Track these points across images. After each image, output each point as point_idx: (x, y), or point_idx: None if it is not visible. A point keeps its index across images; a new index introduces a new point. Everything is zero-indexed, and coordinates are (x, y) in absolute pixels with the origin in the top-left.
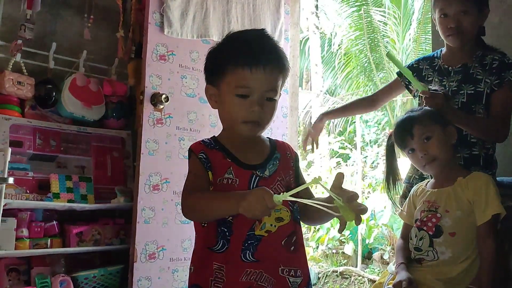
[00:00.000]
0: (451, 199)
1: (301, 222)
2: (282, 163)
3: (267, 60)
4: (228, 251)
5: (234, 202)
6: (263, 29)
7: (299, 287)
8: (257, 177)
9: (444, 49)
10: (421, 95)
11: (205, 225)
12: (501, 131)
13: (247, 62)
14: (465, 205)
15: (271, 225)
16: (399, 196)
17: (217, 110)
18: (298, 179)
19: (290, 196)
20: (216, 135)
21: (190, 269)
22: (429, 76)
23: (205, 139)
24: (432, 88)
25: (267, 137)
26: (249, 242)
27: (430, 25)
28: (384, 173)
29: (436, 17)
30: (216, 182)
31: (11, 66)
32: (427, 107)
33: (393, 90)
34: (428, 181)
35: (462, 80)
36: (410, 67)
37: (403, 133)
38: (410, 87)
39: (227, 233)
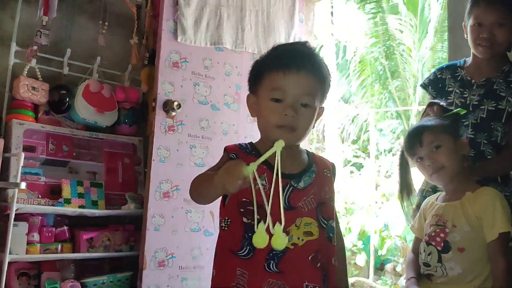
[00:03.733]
0: (459, 214)
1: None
2: (318, 179)
3: (301, 64)
4: (252, 259)
5: (215, 178)
6: (306, 41)
7: None
8: (291, 187)
9: (469, 60)
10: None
11: (226, 228)
12: None
13: (280, 65)
14: (473, 221)
15: (298, 238)
16: (412, 208)
17: (254, 119)
18: (331, 196)
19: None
20: (253, 142)
21: (212, 272)
22: (450, 86)
23: (242, 143)
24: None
25: (305, 149)
26: (274, 252)
27: (447, 33)
28: (398, 184)
29: (469, 24)
30: (249, 187)
31: (26, 72)
32: (441, 118)
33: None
34: (440, 195)
35: (485, 95)
36: (434, 79)
37: (413, 141)
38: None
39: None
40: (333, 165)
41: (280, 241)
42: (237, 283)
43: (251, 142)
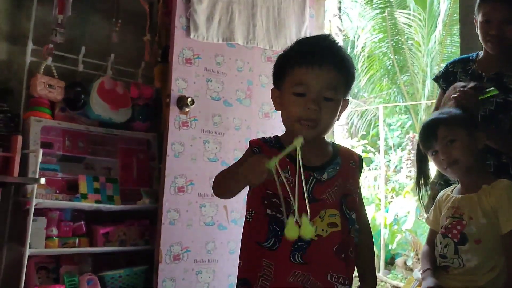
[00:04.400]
0: (475, 206)
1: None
2: (343, 170)
3: (324, 58)
4: (278, 250)
5: (239, 172)
6: (329, 34)
7: None
8: (314, 179)
9: (481, 54)
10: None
11: (251, 219)
12: None
13: (303, 60)
14: (490, 213)
15: (323, 230)
16: (428, 198)
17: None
18: (356, 188)
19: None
20: (279, 135)
21: (239, 263)
22: (461, 79)
23: (267, 137)
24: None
25: (332, 141)
26: (299, 243)
27: (458, 27)
28: (415, 174)
29: (478, 19)
30: (272, 179)
31: (43, 70)
32: (455, 110)
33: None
34: (455, 187)
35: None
36: (446, 72)
37: (427, 135)
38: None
39: (279, 232)
40: (360, 157)
41: (308, 231)
42: (263, 274)
43: (277, 135)
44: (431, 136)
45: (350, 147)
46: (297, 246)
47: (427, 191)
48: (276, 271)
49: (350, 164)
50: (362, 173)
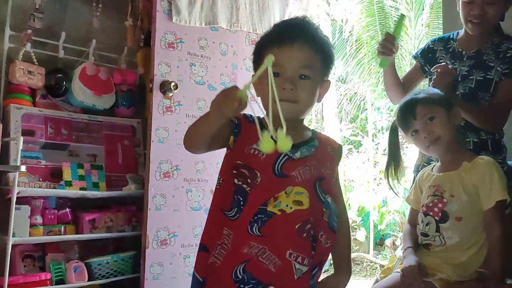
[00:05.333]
0: (456, 184)
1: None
2: (319, 153)
3: (295, 36)
4: (238, 220)
5: (211, 106)
6: (304, 16)
7: (303, 275)
8: (286, 156)
9: (461, 32)
10: (433, 70)
11: (219, 186)
12: (499, 122)
13: (276, 41)
14: (471, 190)
15: (287, 205)
16: (399, 183)
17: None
18: (333, 173)
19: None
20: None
21: (204, 228)
22: (442, 58)
23: (247, 113)
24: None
25: (312, 129)
26: (259, 216)
27: (442, 6)
28: (386, 158)
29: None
30: (244, 150)
31: (21, 56)
32: (431, 89)
33: (413, 75)
34: (434, 165)
35: (474, 65)
36: (426, 48)
37: (406, 114)
38: (426, 68)
39: (241, 203)
40: (339, 146)
41: (285, 144)
42: (222, 242)
43: (258, 116)
44: (410, 115)
45: (339, 131)
46: (256, 218)
47: (397, 175)
48: (234, 241)
49: (327, 149)
50: (340, 162)
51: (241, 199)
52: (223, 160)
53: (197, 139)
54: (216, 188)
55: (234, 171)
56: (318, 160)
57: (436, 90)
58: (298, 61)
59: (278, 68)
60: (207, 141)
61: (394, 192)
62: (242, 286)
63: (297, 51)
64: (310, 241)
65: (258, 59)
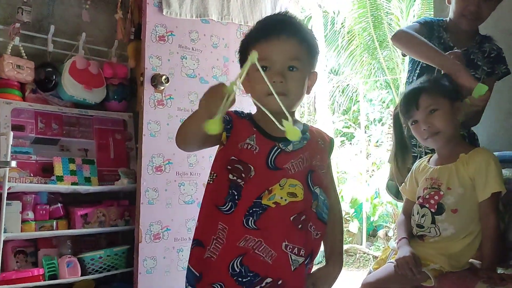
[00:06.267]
0: (453, 176)
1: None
2: (310, 146)
3: (280, 29)
4: (233, 214)
5: (199, 105)
6: (286, 11)
7: (299, 266)
8: (279, 149)
9: (448, 23)
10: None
11: (212, 182)
12: (478, 120)
13: (261, 35)
14: (467, 182)
15: (281, 197)
16: (407, 167)
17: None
18: (328, 168)
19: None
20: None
21: (196, 224)
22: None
23: (238, 110)
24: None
25: (304, 122)
26: (254, 209)
27: (433, 0)
28: (393, 144)
29: None
30: (237, 146)
31: (10, 50)
32: (439, 78)
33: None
34: (431, 157)
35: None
36: (424, 24)
37: (409, 103)
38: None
39: (236, 197)
40: (331, 140)
41: (295, 132)
42: (217, 237)
43: (250, 112)
44: (413, 104)
45: (331, 123)
46: (251, 211)
47: (405, 161)
48: (229, 235)
49: (318, 142)
50: (331, 155)
51: (236, 193)
52: (215, 156)
53: (189, 138)
54: (208, 183)
55: (229, 167)
56: (310, 152)
57: (443, 79)
58: (286, 53)
59: (266, 62)
60: (199, 139)
61: (400, 180)
62: (240, 279)
63: (284, 44)
64: (305, 232)
65: (244, 56)
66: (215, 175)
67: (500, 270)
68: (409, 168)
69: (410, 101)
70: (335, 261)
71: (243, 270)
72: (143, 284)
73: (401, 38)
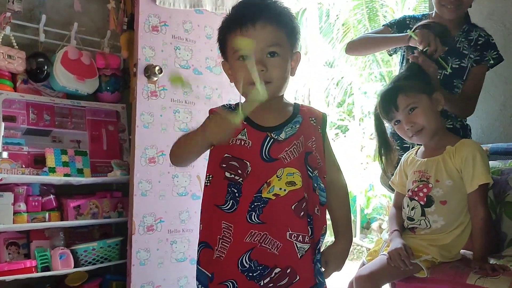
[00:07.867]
0: (441, 168)
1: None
2: (303, 128)
3: (255, 16)
4: (236, 212)
5: (200, 133)
6: None
7: (306, 253)
8: (271, 139)
9: (434, 16)
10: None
11: (209, 184)
12: (472, 109)
13: (237, 24)
14: (455, 174)
15: (280, 189)
16: (393, 164)
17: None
18: (324, 144)
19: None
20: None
21: (200, 226)
22: None
23: (226, 104)
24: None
25: (294, 102)
26: (255, 204)
27: None
28: (376, 143)
29: None
30: (229, 143)
31: (0, 40)
32: (410, 73)
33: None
34: (418, 149)
35: (449, 52)
36: (402, 21)
37: (387, 105)
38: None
39: (236, 194)
40: (323, 114)
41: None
42: (223, 236)
43: (238, 102)
44: (392, 105)
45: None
46: (253, 206)
47: (389, 157)
48: (235, 232)
49: (310, 121)
50: (325, 129)
51: (236, 190)
52: (209, 156)
53: (185, 159)
54: (205, 185)
55: (224, 165)
56: (304, 135)
57: (415, 73)
58: (263, 41)
59: (244, 51)
60: (196, 158)
61: (386, 175)
62: (250, 274)
63: (260, 31)
64: (307, 219)
65: (223, 44)
66: (211, 176)
67: (493, 261)
68: (395, 165)
69: (388, 103)
70: (344, 235)
71: (252, 265)
72: (136, 276)
73: (352, 46)
